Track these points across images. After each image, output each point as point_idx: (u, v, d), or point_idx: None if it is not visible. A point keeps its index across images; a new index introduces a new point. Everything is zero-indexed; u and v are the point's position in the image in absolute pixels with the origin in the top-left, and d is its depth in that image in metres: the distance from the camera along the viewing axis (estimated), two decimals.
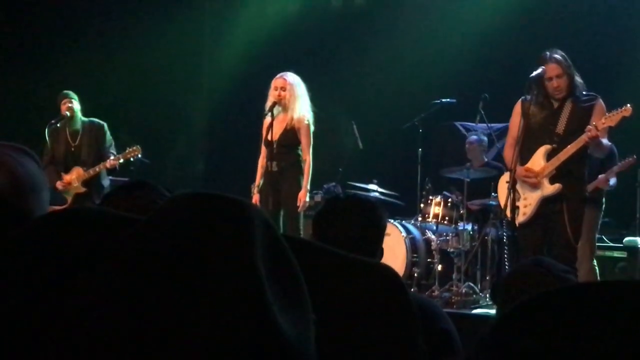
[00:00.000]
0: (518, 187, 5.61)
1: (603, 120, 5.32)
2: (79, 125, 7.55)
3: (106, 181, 7.56)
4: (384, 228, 2.62)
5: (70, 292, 0.84)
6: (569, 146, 5.41)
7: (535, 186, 5.55)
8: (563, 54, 5.57)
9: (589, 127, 5.30)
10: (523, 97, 5.69)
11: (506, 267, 6.21)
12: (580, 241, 5.88)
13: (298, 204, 6.47)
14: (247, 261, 0.81)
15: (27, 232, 0.96)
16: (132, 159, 7.40)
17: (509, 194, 5.48)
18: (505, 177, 5.88)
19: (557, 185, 5.48)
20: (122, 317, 0.79)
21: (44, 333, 0.86)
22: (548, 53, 5.56)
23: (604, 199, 6.71)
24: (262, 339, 0.79)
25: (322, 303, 0.93)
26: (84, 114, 7.66)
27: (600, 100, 5.53)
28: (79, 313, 0.81)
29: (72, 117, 7.50)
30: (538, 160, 5.56)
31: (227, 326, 0.78)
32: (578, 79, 5.55)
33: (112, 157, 7.37)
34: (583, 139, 5.32)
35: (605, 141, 5.44)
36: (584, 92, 5.58)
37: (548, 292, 0.87)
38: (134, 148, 7.38)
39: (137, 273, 0.80)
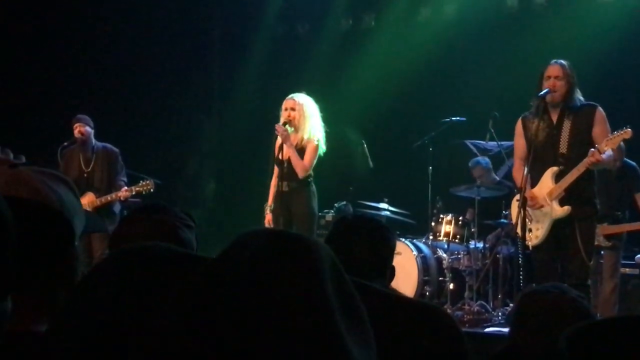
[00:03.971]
0: (530, 210, 5.60)
1: (604, 144, 5.30)
2: (92, 151, 7.54)
3: (117, 207, 7.51)
4: (393, 247, 2.62)
5: (145, 326, 0.86)
6: (573, 170, 5.39)
7: (545, 209, 5.55)
8: (569, 63, 5.57)
9: (592, 150, 5.27)
10: (523, 115, 5.71)
11: (520, 286, 6.20)
12: (606, 281, 6.33)
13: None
14: (320, 296, 0.82)
15: (101, 268, 0.98)
16: (144, 192, 7.38)
17: (519, 212, 5.48)
18: (518, 197, 5.88)
19: (567, 208, 5.46)
20: (198, 352, 0.80)
21: None
22: (553, 60, 5.60)
23: (625, 235, 6.79)
24: None
25: (382, 345, 0.94)
26: (98, 135, 7.69)
27: (599, 109, 5.50)
28: (154, 349, 0.83)
29: (85, 141, 7.50)
30: (547, 183, 5.55)
31: (305, 358, 0.79)
32: (579, 95, 5.54)
33: (125, 188, 7.33)
34: (585, 163, 5.30)
35: (606, 154, 5.37)
36: (581, 99, 5.55)
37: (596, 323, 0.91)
38: (147, 182, 7.36)
39: (210, 309, 0.81)
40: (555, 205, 5.50)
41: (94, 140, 7.58)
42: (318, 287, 0.83)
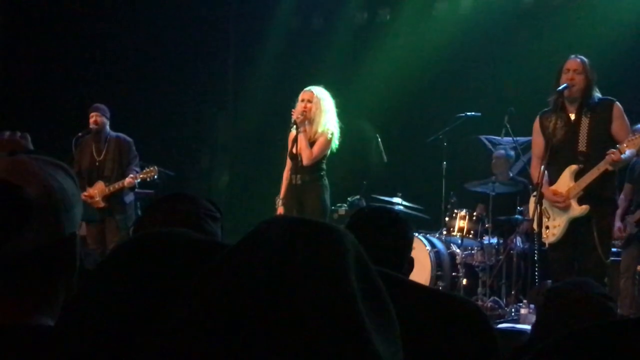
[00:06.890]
0: (547, 208, 5.57)
1: (626, 144, 5.26)
2: (104, 140, 7.56)
3: (128, 197, 7.52)
4: (411, 239, 2.61)
5: (164, 316, 0.84)
6: (593, 169, 5.35)
7: (564, 208, 5.51)
8: (590, 61, 5.53)
9: (612, 150, 5.22)
10: (541, 112, 5.66)
11: (535, 282, 6.17)
12: (621, 277, 6.32)
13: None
14: (343, 287, 0.80)
15: (116, 255, 0.96)
16: (148, 179, 7.43)
17: (535, 209, 5.45)
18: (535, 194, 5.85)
19: (585, 207, 5.42)
20: (218, 343, 0.78)
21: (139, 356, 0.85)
22: (573, 55, 5.56)
23: None
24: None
25: (407, 334, 0.91)
26: (112, 126, 7.69)
27: (617, 103, 5.45)
28: (173, 338, 0.81)
29: (99, 131, 7.51)
30: (566, 181, 5.50)
31: (328, 349, 0.77)
32: (597, 93, 5.48)
33: (130, 176, 7.36)
34: (606, 162, 5.26)
35: (627, 153, 5.33)
36: (598, 96, 5.50)
37: (595, 326, 0.86)
38: (151, 169, 7.39)
39: (232, 297, 0.79)
40: (574, 204, 5.46)
41: (108, 130, 7.60)
42: (342, 277, 0.80)
